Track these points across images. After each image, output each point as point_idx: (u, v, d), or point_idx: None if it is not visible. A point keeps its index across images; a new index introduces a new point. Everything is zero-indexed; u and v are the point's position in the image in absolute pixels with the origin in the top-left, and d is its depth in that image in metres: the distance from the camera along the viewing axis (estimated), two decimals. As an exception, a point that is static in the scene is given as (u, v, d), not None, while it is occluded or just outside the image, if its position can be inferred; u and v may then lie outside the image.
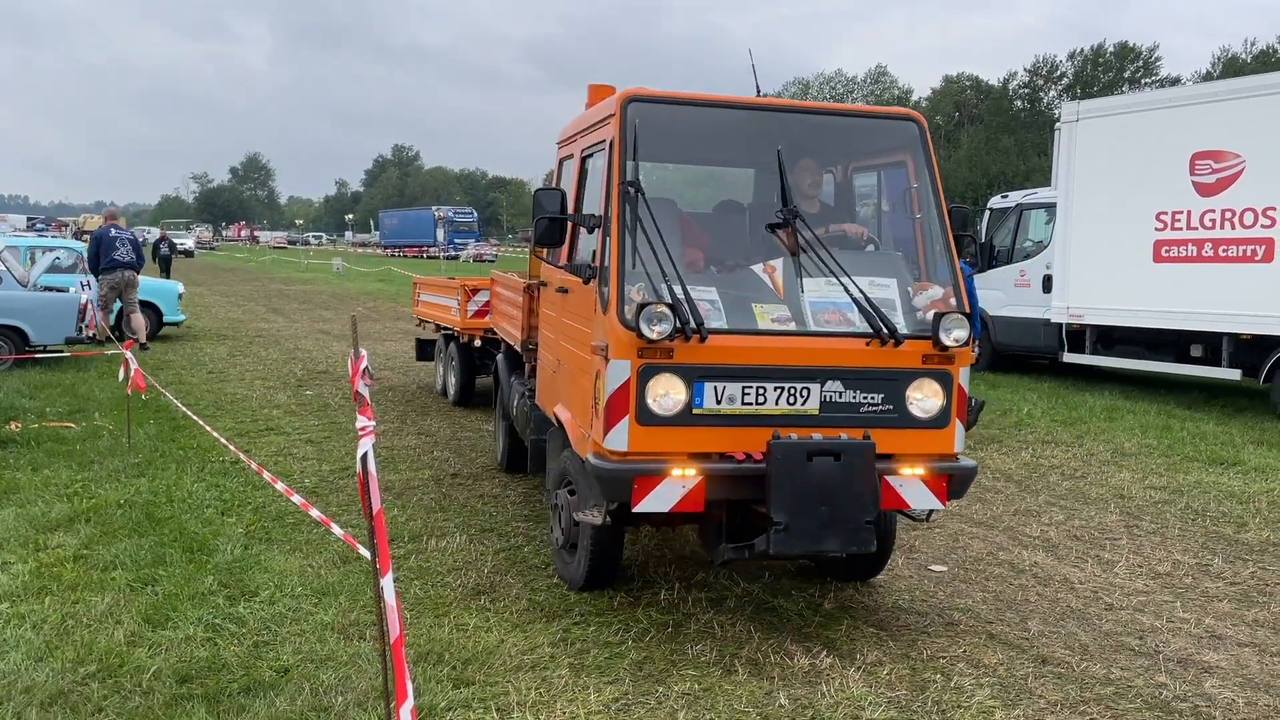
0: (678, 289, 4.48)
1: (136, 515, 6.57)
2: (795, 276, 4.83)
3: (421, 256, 59.31)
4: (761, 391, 4.56)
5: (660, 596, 5.41)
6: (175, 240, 41.67)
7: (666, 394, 4.46)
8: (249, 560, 5.76)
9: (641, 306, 4.34)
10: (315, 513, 5.02)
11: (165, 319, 18.14)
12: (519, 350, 7.16)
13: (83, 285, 13.92)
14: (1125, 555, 6.49)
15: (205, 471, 7.85)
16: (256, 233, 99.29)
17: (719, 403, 4.52)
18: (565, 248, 5.54)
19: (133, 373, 8.42)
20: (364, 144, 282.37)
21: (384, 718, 3.60)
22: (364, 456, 2.93)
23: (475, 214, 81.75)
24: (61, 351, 13.29)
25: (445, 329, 11.55)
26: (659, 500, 4.47)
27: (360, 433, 2.94)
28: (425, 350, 12.87)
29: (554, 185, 6.35)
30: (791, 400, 4.60)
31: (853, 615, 5.23)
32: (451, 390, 11.38)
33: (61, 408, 10.33)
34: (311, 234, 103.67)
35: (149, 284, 18.11)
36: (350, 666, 4.37)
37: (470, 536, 6.40)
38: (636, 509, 4.50)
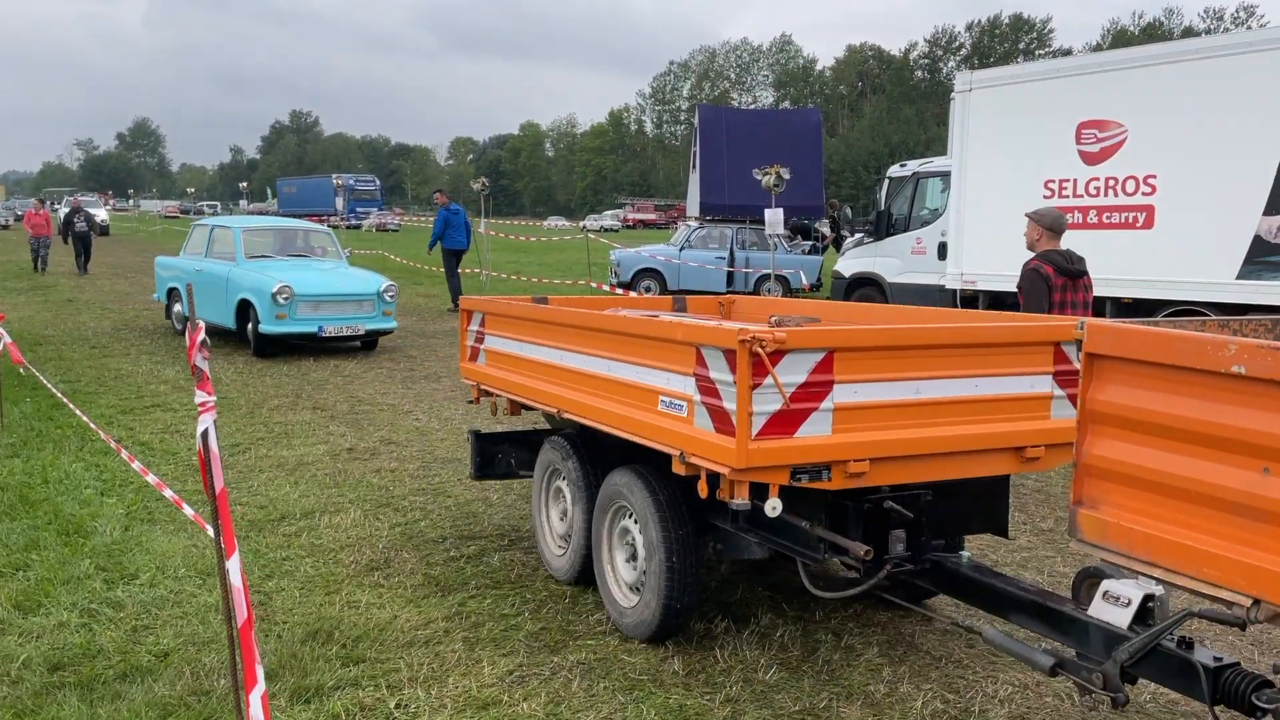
0: None
1: (9, 498, 6.27)
2: None
3: (323, 225, 57.81)
4: None
5: (558, 567, 5.37)
6: (91, 212, 34.75)
7: None
8: (129, 542, 5.54)
9: None
10: (169, 492, 4.84)
11: (261, 327, 11.88)
12: None
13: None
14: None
15: (85, 451, 7.53)
16: (113, 203, 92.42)
17: None
18: None
19: (4, 346, 8.00)
20: (260, 110, 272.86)
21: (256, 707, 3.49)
22: (204, 433, 2.80)
23: (378, 182, 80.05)
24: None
25: (615, 435, 4.28)
26: None
27: (200, 409, 2.81)
28: (494, 460, 5.67)
29: None
30: None
31: (748, 580, 5.29)
32: (623, 599, 4.55)
33: (-72, 387, 9.77)
34: (205, 203, 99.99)
35: (243, 274, 12.39)
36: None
37: (365, 512, 6.27)
38: None
